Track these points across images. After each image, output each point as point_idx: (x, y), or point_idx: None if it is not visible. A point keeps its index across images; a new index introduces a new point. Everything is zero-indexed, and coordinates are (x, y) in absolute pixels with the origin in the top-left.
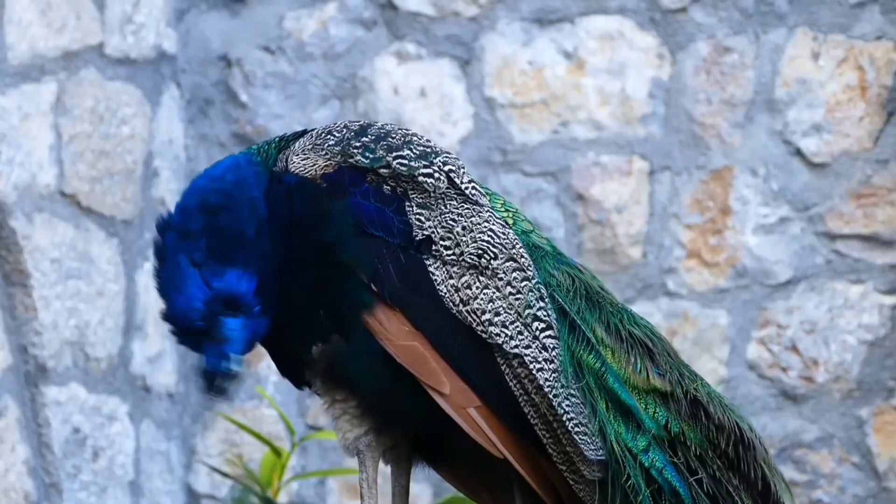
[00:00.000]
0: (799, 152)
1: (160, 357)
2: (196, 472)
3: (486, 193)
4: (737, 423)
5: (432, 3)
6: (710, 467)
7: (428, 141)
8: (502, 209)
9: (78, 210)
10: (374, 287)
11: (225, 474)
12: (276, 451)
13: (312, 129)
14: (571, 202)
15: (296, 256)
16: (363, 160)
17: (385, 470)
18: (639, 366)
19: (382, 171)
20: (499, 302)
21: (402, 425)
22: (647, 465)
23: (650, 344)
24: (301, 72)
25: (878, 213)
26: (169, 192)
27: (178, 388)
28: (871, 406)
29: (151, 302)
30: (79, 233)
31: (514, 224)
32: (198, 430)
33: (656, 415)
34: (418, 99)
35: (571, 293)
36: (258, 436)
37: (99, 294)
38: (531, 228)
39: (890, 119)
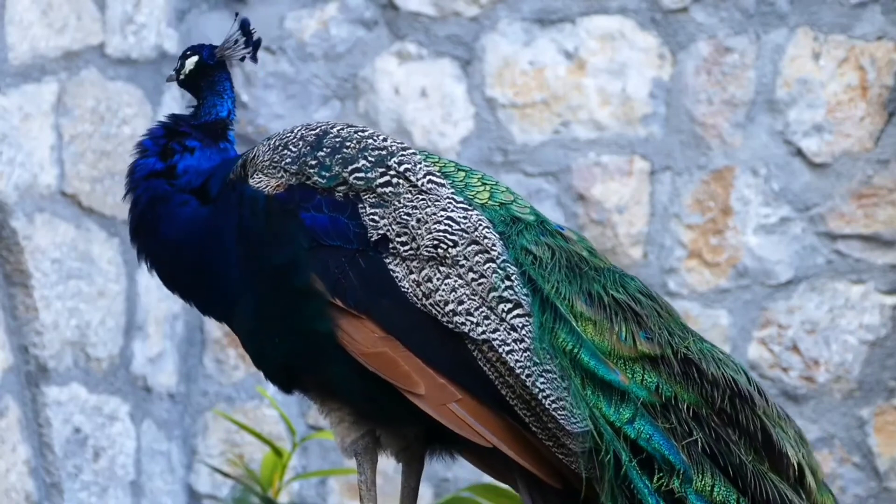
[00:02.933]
0: (800, 152)
1: (161, 357)
2: (197, 472)
3: (462, 170)
4: (732, 377)
5: (433, 3)
6: (707, 425)
7: (385, 140)
8: (479, 184)
9: (79, 210)
10: (337, 301)
11: (226, 474)
12: (277, 452)
13: (273, 137)
14: (572, 202)
15: (247, 271)
16: (321, 181)
17: (386, 471)
18: (623, 333)
19: (340, 188)
20: (462, 290)
21: (403, 425)
22: (633, 436)
23: (636, 306)
24: (302, 72)
25: (879, 213)
26: None
27: (178, 389)
28: (871, 406)
29: (152, 302)
30: (80, 233)
31: (492, 197)
32: (199, 430)
33: (646, 381)
34: (419, 99)
35: (549, 266)
36: (259, 436)
37: (100, 294)
38: (511, 199)
39: (891, 119)
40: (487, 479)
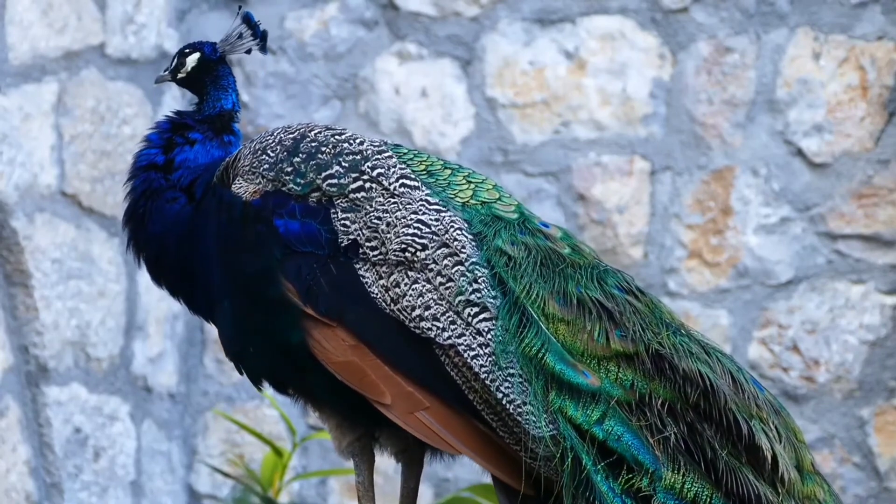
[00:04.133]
0: (800, 152)
1: (161, 357)
2: (197, 472)
3: (449, 168)
4: (700, 371)
5: (433, 4)
6: (682, 420)
7: (361, 143)
8: (463, 183)
9: (79, 210)
10: (309, 309)
11: (226, 474)
12: (278, 452)
13: (255, 139)
14: (573, 202)
15: (225, 277)
16: (296, 188)
17: (386, 471)
18: (597, 332)
19: (314, 194)
20: (429, 295)
21: (391, 429)
22: (601, 436)
23: (609, 303)
24: (302, 72)
25: (879, 213)
26: None
27: (179, 389)
28: (872, 406)
29: (153, 302)
30: (80, 233)
31: (474, 196)
32: (199, 430)
33: (620, 379)
34: (419, 99)
35: (523, 267)
36: (259, 436)
37: (100, 294)
38: (496, 197)
39: (891, 119)
40: (488, 478)
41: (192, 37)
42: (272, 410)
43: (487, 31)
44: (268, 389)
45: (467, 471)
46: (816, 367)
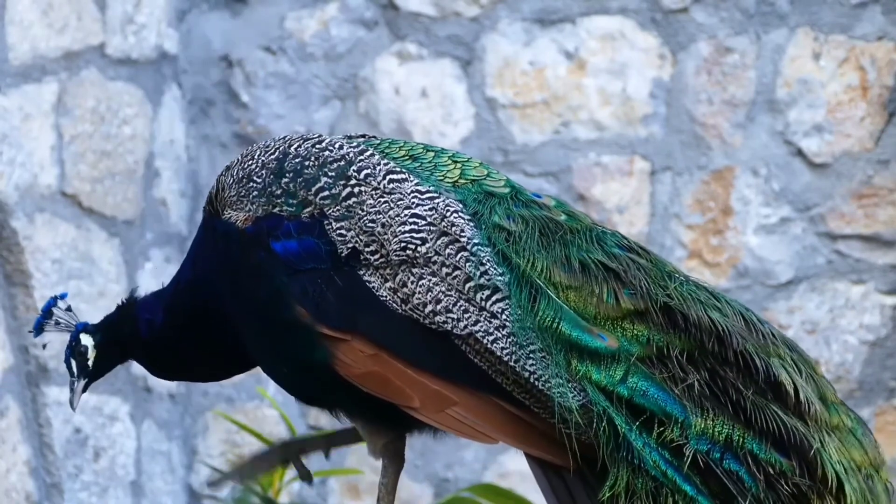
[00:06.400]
0: (800, 152)
1: None
2: (197, 472)
3: (432, 150)
4: (711, 317)
5: (433, 4)
6: (703, 366)
7: (340, 148)
8: (449, 163)
9: (79, 210)
10: (323, 327)
11: (226, 475)
12: None
13: (234, 165)
14: (573, 202)
15: (236, 312)
16: (289, 208)
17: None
18: (605, 294)
19: (307, 209)
20: (437, 288)
21: (423, 429)
22: (626, 394)
23: (613, 263)
24: (302, 72)
25: (880, 213)
26: (170, 192)
27: (179, 389)
28: (872, 406)
29: None
30: (80, 233)
31: (462, 175)
32: (199, 430)
33: (637, 336)
34: (419, 99)
35: (523, 239)
36: (259, 436)
37: (100, 294)
38: (484, 174)
39: (891, 119)
40: (487, 478)
41: (192, 36)
42: (272, 410)
43: (487, 31)
44: (269, 390)
45: (467, 471)
46: (816, 367)
